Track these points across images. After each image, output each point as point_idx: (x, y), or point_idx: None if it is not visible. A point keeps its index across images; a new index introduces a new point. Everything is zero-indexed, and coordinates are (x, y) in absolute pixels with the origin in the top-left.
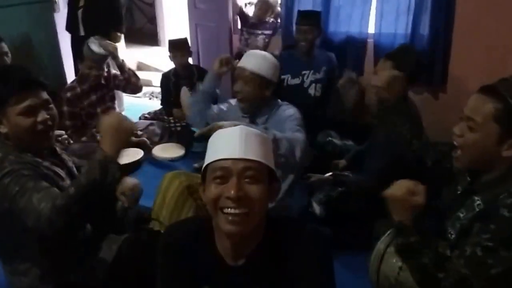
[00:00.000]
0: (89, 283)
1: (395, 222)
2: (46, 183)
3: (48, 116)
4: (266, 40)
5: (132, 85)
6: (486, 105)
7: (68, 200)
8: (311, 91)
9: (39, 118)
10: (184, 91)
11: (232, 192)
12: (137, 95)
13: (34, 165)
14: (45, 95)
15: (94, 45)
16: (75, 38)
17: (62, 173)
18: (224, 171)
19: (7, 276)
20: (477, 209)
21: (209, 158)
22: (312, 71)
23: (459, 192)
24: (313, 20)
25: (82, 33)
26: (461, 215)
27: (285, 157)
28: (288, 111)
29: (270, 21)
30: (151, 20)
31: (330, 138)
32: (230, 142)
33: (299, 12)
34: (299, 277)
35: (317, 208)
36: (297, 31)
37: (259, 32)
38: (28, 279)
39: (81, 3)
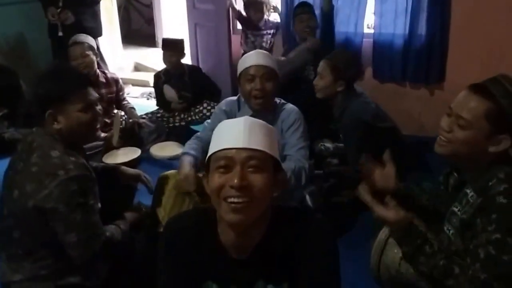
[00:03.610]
0: (90, 284)
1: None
2: (99, 203)
3: (100, 112)
4: (272, 39)
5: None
6: (478, 104)
7: (110, 241)
8: (309, 74)
9: (96, 114)
10: (167, 89)
11: (236, 181)
12: (135, 95)
13: (89, 170)
14: (94, 93)
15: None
16: (55, 41)
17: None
18: (228, 160)
19: (6, 275)
20: (471, 201)
21: (213, 148)
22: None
23: (452, 180)
24: (310, 8)
25: (60, 33)
26: (456, 209)
27: (293, 188)
28: (291, 115)
29: (273, 20)
30: (149, 21)
31: (321, 144)
32: (234, 132)
33: (297, 5)
34: (305, 269)
35: (309, 200)
36: (298, 23)
37: (264, 32)
38: (30, 279)
39: (60, 4)
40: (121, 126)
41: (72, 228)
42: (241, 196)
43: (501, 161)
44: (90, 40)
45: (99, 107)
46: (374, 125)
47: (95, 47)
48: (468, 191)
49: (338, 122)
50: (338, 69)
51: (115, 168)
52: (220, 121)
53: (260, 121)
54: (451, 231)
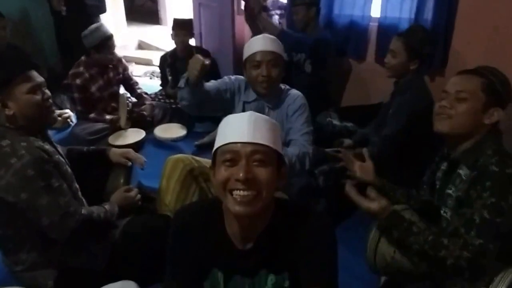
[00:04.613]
0: (92, 267)
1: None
2: (65, 183)
3: (50, 94)
4: (281, 20)
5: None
6: (473, 79)
7: (89, 218)
8: (306, 67)
9: (45, 95)
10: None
11: (241, 174)
12: (138, 74)
13: (46, 153)
14: (39, 76)
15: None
16: (58, 18)
17: (61, 158)
18: (233, 154)
19: (9, 266)
20: (464, 178)
21: (219, 142)
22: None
23: (441, 173)
24: None
25: (64, 12)
26: (450, 191)
27: (297, 172)
28: (297, 100)
29: (282, 0)
30: None
31: (329, 119)
32: (239, 127)
33: None
34: (304, 259)
35: (320, 179)
36: (294, 14)
37: (272, 13)
38: (31, 268)
39: None
40: (128, 108)
41: (41, 213)
42: (246, 189)
43: (489, 139)
44: (107, 27)
45: (47, 91)
46: (424, 115)
47: None
48: (460, 171)
49: (394, 97)
50: (413, 47)
51: (104, 150)
52: (226, 85)
53: (265, 116)
54: (448, 213)
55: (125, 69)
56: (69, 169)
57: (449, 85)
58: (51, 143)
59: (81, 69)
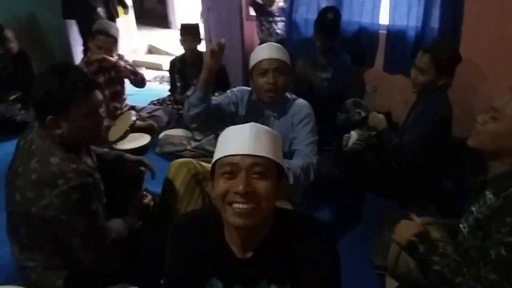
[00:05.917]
0: (105, 269)
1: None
2: (100, 205)
3: (103, 115)
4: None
5: (138, 77)
6: (511, 99)
7: (115, 240)
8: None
9: (100, 118)
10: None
11: (240, 187)
12: (147, 79)
13: (90, 174)
14: (100, 95)
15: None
16: (86, 21)
17: (98, 174)
18: (233, 166)
19: (21, 260)
20: (489, 202)
21: (218, 153)
22: (321, 69)
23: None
24: (332, 33)
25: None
26: (474, 208)
27: (301, 184)
28: (303, 110)
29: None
30: (161, 0)
31: (358, 110)
32: (239, 139)
33: (321, 21)
34: (306, 270)
35: (353, 135)
36: (314, 38)
37: (278, 19)
38: (44, 266)
39: None
40: (128, 129)
41: (75, 234)
42: (246, 202)
43: None
44: (117, 32)
45: (102, 109)
46: (447, 125)
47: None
48: (487, 193)
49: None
50: (443, 64)
51: (118, 156)
52: (229, 99)
53: (266, 127)
54: (465, 229)
55: (121, 59)
56: (102, 185)
57: (496, 99)
58: (92, 157)
59: (82, 64)
